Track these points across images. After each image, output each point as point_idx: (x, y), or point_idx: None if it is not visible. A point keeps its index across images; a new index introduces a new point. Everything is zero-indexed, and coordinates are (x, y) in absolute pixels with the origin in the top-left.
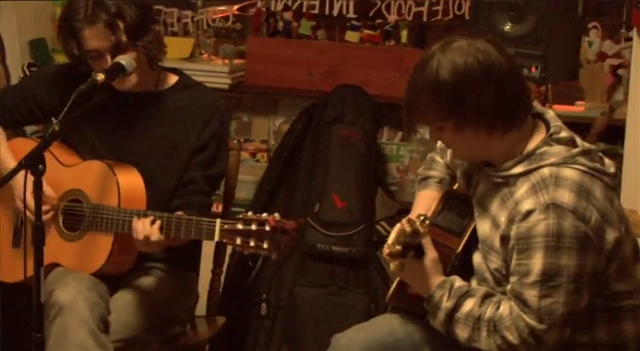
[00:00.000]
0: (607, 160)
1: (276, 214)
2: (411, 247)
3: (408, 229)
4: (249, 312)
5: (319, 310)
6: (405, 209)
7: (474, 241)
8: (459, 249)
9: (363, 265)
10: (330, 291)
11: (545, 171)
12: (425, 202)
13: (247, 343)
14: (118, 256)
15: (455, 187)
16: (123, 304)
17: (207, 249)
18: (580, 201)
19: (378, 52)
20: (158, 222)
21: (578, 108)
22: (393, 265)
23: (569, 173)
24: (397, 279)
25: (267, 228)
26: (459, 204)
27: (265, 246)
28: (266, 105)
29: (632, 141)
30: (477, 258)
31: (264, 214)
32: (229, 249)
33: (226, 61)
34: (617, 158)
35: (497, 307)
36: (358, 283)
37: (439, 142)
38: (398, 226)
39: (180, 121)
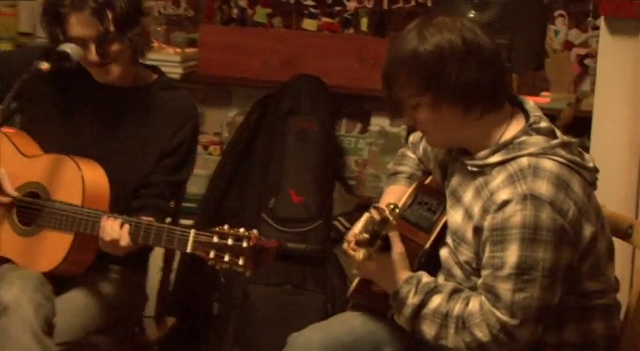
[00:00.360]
0: (587, 155)
1: (255, 231)
2: (379, 236)
3: (377, 216)
4: (201, 312)
5: (274, 310)
6: (364, 204)
7: (442, 237)
8: (427, 245)
9: (320, 262)
10: (285, 289)
11: (524, 161)
12: (393, 196)
13: (199, 344)
14: (76, 255)
15: (427, 181)
16: (70, 305)
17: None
18: (558, 193)
19: (336, 40)
20: (127, 226)
21: (543, 99)
22: (359, 255)
23: (548, 164)
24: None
25: (246, 244)
26: (429, 199)
27: (241, 262)
28: (219, 96)
29: (598, 133)
30: (443, 253)
31: (242, 230)
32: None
33: (178, 50)
34: (584, 150)
35: (467, 304)
36: (315, 281)
37: (411, 137)
38: (366, 214)
39: (154, 122)
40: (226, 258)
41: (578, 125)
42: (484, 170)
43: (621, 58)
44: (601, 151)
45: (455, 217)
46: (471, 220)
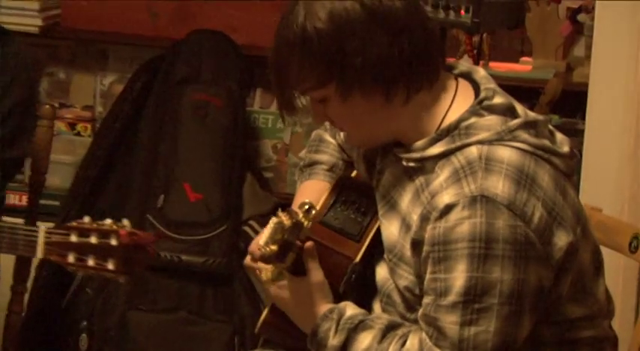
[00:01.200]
0: (559, 136)
1: (126, 222)
2: (292, 248)
3: (287, 221)
4: (64, 346)
5: (163, 344)
6: (284, 204)
7: (378, 249)
8: (358, 258)
9: (225, 281)
10: (178, 317)
11: (473, 151)
12: (310, 195)
13: None
14: None
15: (353, 174)
16: None
17: (5, 258)
18: (519, 192)
19: None
20: None
21: (523, 67)
22: (266, 274)
23: (506, 154)
24: (271, 302)
25: (114, 242)
26: (357, 197)
27: (111, 267)
28: (91, 57)
29: (595, 112)
30: (381, 272)
31: (108, 221)
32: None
33: None
34: (577, 135)
35: (403, 343)
36: (218, 306)
37: None
38: (273, 219)
39: None
40: (90, 262)
41: (569, 101)
42: (424, 166)
43: (626, 13)
44: (598, 135)
45: (390, 229)
46: (409, 233)
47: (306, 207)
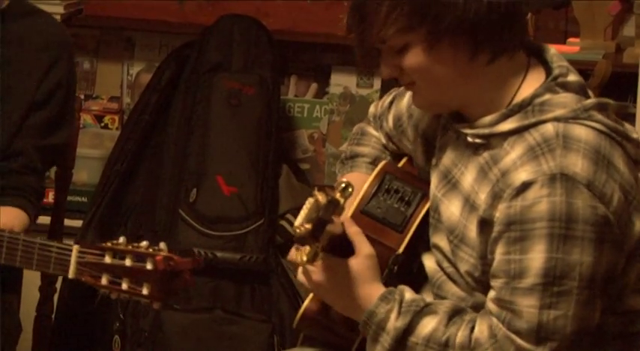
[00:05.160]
0: (626, 124)
1: (163, 245)
2: (327, 226)
3: (322, 199)
4: (96, 348)
5: (198, 345)
6: None
7: (422, 239)
8: (401, 249)
9: (262, 278)
10: (214, 317)
11: (549, 128)
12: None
13: None
14: None
15: (401, 163)
16: None
17: None
18: (598, 172)
19: None
20: None
21: (570, 48)
22: (301, 256)
23: (583, 132)
24: (311, 294)
25: (150, 266)
26: (401, 185)
27: (145, 292)
28: (117, 45)
29: None
30: (429, 263)
31: (144, 243)
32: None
33: None
34: (628, 119)
35: (472, 328)
36: (255, 304)
37: (372, 107)
38: (309, 199)
39: (13, 63)
40: (124, 285)
41: (619, 84)
42: (490, 142)
43: None
44: None
45: (451, 209)
46: (474, 212)
47: (343, 185)
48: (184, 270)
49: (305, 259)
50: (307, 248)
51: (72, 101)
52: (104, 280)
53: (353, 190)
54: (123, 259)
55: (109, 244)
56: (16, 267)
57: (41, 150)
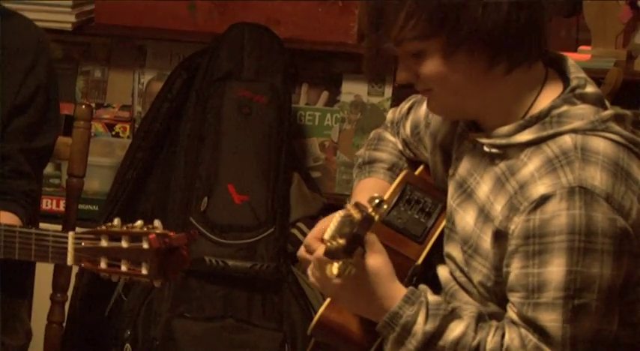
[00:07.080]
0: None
1: (157, 223)
2: (361, 242)
3: (356, 215)
4: None
5: None
6: (333, 205)
7: (437, 249)
8: (420, 260)
9: (274, 286)
10: (225, 325)
11: (567, 140)
12: (369, 193)
13: None
14: None
15: (417, 171)
16: None
17: (43, 265)
18: (617, 185)
19: None
20: None
21: (581, 56)
22: (330, 269)
23: (601, 145)
24: (327, 300)
25: (146, 245)
26: (422, 196)
27: (144, 271)
28: (128, 54)
29: None
30: (443, 273)
31: (138, 223)
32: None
33: None
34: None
35: (502, 335)
36: (267, 313)
37: (390, 113)
38: (340, 212)
39: None
40: (123, 267)
41: (630, 92)
42: (507, 152)
43: None
44: None
45: (465, 219)
46: (489, 223)
47: (377, 201)
48: (180, 246)
49: (336, 272)
50: (338, 262)
51: (55, 102)
52: (103, 264)
53: (387, 206)
54: (119, 240)
55: (103, 228)
56: (16, 259)
57: (28, 153)
